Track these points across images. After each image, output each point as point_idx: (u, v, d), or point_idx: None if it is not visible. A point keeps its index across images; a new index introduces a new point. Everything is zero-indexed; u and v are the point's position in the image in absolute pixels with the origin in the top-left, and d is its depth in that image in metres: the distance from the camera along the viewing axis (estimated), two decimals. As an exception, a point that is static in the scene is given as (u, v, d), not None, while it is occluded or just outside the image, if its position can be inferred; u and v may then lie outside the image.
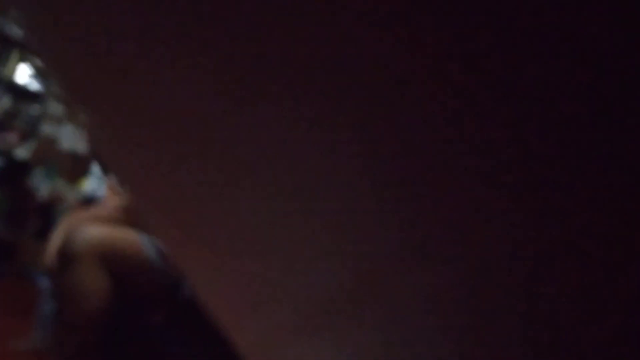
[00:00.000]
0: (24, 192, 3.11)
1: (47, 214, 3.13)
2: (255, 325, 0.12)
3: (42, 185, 3.18)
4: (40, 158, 3.38)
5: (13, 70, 3.47)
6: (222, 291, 0.12)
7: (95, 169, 3.35)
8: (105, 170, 3.35)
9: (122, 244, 1.55)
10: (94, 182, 3.26)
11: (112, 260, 1.49)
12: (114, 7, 0.08)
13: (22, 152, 3.45)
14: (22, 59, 3.47)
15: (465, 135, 0.08)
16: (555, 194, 0.08)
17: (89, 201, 2.78)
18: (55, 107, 3.57)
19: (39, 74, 3.47)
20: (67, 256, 1.42)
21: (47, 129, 3.50)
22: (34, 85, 3.49)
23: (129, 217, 1.64)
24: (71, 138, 3.60)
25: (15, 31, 3.31)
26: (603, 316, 0.09)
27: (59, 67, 0.10)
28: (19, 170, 3.30)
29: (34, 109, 3.51)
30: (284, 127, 0.09)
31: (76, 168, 3.52)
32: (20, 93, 3.51)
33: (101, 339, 1.44)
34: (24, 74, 3.50)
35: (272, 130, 0.09)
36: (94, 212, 1.67)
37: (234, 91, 0.09)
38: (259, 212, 0.10)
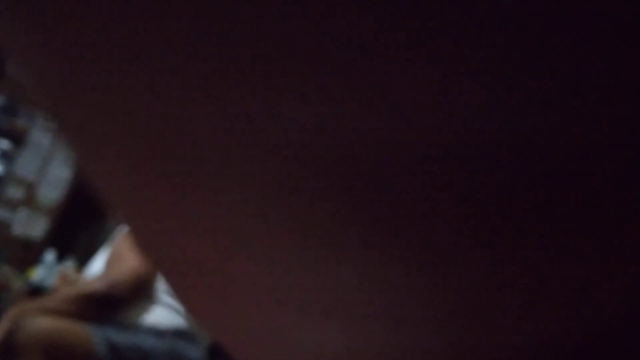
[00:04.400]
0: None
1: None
2: None
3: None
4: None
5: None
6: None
7: (47, 257, 3.22)
8: (60, 257, 3.22)
9: (69, 338, 1.47)
10: (43, 272, 3.12)
11: (57, 355, 1.40)
12: None
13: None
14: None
15: None
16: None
17: (36, 291, 2.65)
18: (14, 192, 3.48)
19: (2, 156, 3.41)
20: (11, 349, 1.33)
21: (1, 213, 3.40)
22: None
23: (79, 309, 1.56)
24: (25, 224, 3.48)
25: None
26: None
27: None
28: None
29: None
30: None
31: (26, 256, 3.37)
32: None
33: None
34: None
35: None
36: (42, 303, 1.59)
37: None
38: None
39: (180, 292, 0.11)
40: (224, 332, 0.11)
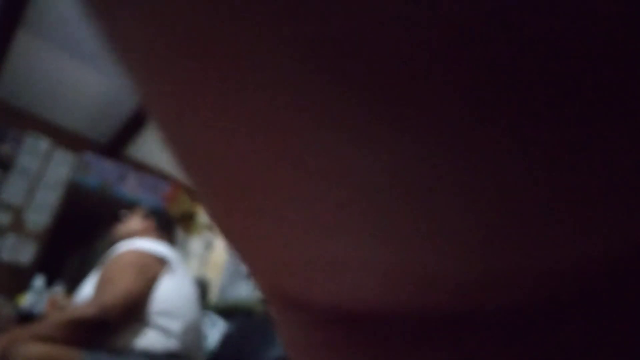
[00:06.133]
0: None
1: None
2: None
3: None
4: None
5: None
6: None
7: (36, 282, 3.18)
8: (50, 283, 3.17)
9: (60, 365, 1.45)
10: (32, 297, 3.08)
11: (49, 383, 1.38)
12: None
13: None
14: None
15: None
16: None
17: (26, 317, 2.61)
18: (1, 217, 3.45)
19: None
20: (1, 377, 1.31)
21: (-12, 239, 3.36)
22: (-19, 195, 3.40)
23: (70, 334, 1.54)
24: (13, 250, 3.44)
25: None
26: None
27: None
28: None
29: (-23, 219, 3.38)
30: None
31: (15, 282, 3.33)
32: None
33: None
34: (-29, 183, 3.42)
35: None
36: (32, 329, 1.57)
37: None
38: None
39: (225, 221, 0.11)
40: (266, 260, 0.11)
